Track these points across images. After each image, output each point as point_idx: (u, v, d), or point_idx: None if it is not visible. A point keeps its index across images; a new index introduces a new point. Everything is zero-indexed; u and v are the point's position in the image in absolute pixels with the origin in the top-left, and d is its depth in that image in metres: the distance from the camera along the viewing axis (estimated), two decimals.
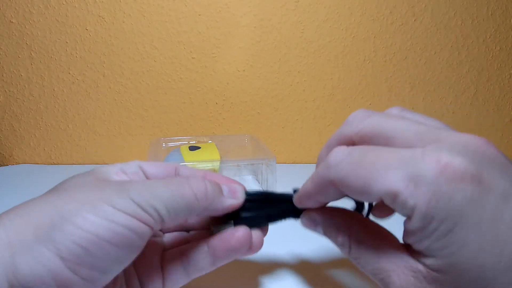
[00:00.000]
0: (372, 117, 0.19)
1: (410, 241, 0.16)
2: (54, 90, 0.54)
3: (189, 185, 0.20)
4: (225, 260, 0.21)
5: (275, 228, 0.25)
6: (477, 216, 0.14)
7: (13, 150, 0.57)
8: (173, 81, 0.55)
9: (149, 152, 0.45)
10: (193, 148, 0.46)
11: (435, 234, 0.15)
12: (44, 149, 0.57)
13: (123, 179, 0.21)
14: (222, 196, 0.21)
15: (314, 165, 0.25)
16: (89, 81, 0.54)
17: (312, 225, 0.22)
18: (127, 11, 0.52)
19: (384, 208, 0.23)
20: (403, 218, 0.16)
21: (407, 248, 0.17)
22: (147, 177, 0.23)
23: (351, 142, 0.20)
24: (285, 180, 0.45)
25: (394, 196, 0.15)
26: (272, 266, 0.30)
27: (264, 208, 0.23)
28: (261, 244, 0.22)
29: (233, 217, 0.22)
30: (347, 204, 0.22)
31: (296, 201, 0.22)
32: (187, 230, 0.26)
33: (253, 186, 0.49)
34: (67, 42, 0.52)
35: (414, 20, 0.55)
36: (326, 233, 0.22)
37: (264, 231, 0.23)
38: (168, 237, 0.25)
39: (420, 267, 0.16)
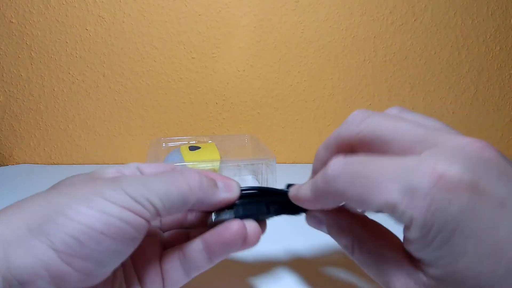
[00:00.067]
0: (371, 119, 0.19)
1: (410, 249, 0.17)
2: (54, 90, 0.54)
3: (183, 177, 0.20)
4: (221, 255, 0.21)
5: (271, 226, 0.25)
6: (474, 225, 0.14)
7: (13, 150, 0.57)
8: (173, 81, 0.55)
9: (149, 152, 0.45)
10: (193, 148, 0.46)
11: (433, 244, 0.15)
12: (44, 149, 0.57)
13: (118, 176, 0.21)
14: (217, 189, 0.21)
15: None
16: (89, 81, 0.54)
17: (317, 224, 0.22)
18: (127, 11, 0.52)
19: None
20: None
21: (409, 254, 0.17)
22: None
23: (350, 144, 0.20)
24: (285, 180, 0.45)
25: (392, 207, 0.15)
26: (269, 265, 0.30)
27: (260, 202, 0.23)
28: (256, 238, 0.22)
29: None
30: None
31: (293, 200, 0.22)
32: (187, 229, 0.26)
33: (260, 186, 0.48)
34: (67, 42, 0.52)
35: (414, 20, 0.55)
36: (330, 234, 0.22)
37: (263, 227, 0.23)
38: (168, 236, 0.25)
39: (421, 275, 0.16)
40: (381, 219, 0.21)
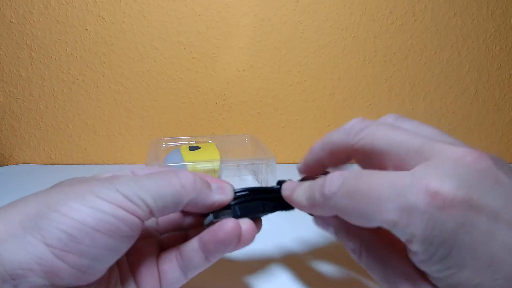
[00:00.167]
0: (368, 130, 0.19)
1: (413, 261, 0.17)
2: (54, 90, 0.54)
3: (177, 176, 0.20)
4: (217, 253, 0.21)
5: (265, 225, 0.25)
6: (470, 239, 0.15)
7: (13, 150, 0.57)
8: (173, 81, 0.55)
9: (149, 152, 0.45)
10: (193, 148, 0.46)
11: (433, 258, 0.15)
12: (44, 149, 0.57)
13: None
14: (211, 190, 0.21)
15: None
16: (89, 81, 0.54)
17: (324, 226, 0.22)
18: (127, 11, 0.52)
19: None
20: None
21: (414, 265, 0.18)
22: None
23: (346, 153, 0.21)
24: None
25: (392, 225, 0.16)
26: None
27: (254, 201, 0.23)
28: (251, 236, 0.22)
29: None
30: None
31: (287, 201, 0.23)
32: (185, 231, 0.26)
33: (253, 186, 0.48)
34: (67, 42, 0.52)
35: (414, 20, 0.55)
36: (337, 236, 0.22)
37: (258, 225, 0.23)
38: (166, 238, 0.25)
39: (427, 285, 0.17)
40: None
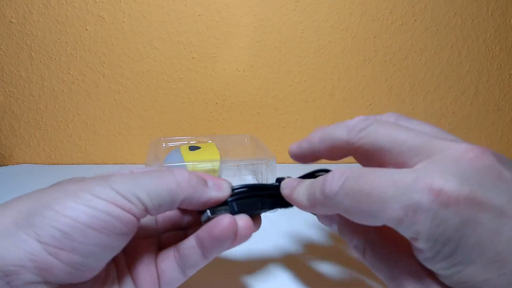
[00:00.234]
0: (370, 128, 0.19)
1: (419, 258, 0.17)
2: (54, 90, 0.54)
3: (172, 173, 0.20)
4: (214, 250, 0.21)
5: (264, 224, 0.25)
6: (476, 236, 0.15)
7: (13, 150, 0.57)
8: (173, 81, 0.55)
9: (149, 152, 0.45)
10: (193, 148, 0.46)
11: (439, 256, 0.15)
12: (44, 149, 0.57)
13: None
14: (207, 187, 0.21)
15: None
16: (89, 81, 0.54)
17: (329, 222, 0.22)
18: (127, 11, 0.52)
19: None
20: None
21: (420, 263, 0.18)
22: None
23: (347, 149, 0.21)
24: None
25: (397, 223, 0.16)
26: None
27: (253, 198, 0.23)
28: (248, 233, 0.21)
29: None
30: None
31: (287, 200, 0.23)
32: (184, 230, 0.26)
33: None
34: (67, 42, 0.52)
35: (414, 20, 0.55)
36: (341, 233, 0.21)
37: (257, 222, 0.23)
38: (165, 238, 0.25)
39: (432, 282, 0.17)
40: None
